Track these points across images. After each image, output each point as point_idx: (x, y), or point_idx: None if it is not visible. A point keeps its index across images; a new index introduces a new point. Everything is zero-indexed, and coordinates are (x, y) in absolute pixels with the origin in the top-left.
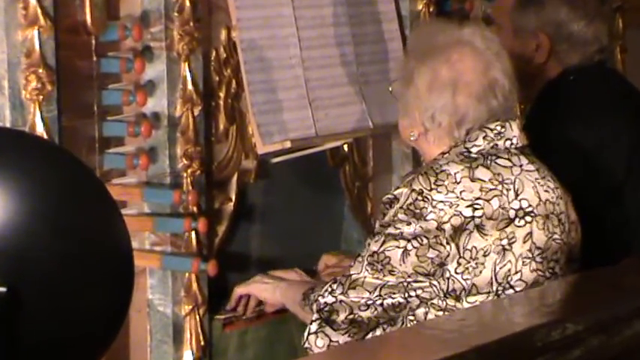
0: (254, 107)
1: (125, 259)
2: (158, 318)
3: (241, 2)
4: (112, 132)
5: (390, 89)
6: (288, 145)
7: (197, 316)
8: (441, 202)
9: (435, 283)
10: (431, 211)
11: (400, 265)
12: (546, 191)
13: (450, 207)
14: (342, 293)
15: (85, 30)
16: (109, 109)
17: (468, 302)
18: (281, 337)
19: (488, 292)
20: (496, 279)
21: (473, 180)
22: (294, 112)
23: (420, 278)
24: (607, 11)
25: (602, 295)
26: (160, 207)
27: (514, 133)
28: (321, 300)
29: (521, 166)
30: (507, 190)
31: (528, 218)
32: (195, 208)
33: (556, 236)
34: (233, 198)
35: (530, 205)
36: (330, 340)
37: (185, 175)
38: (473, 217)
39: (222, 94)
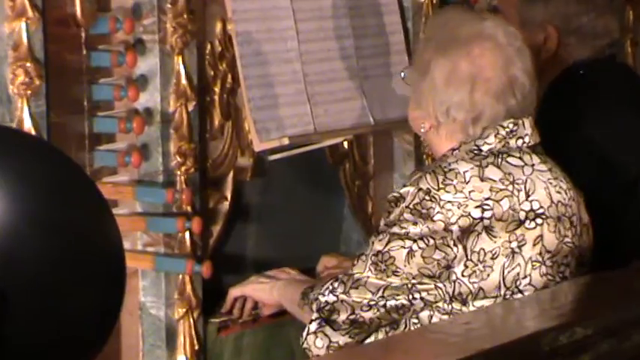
0: (250, 103)
1: (117, 260)
2: (151, 321)
3: None
4: (103, 128)
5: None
6: (285, 142)
7: (191, 320)
8: (449, 202)
9: (440, 285)
10: (438, 212)
11: (405, 265)
12: (558, 192)
13: (459, 207)
14: (343, 292)
15: (74, 22)
16: (99, 105)
17: (475, 306)
18: (278, 341)
19: (496, 297)
20: (504, 283)
21: (483, 180)
22: (292, 107)
23: (425, 280)
24: (617, 4)
25: (612, 298)
26: (153, 206)
27: (527, 131)
28: (322, 299)
29: (533, 165)
30: (518, 190)
31: (539, 220)
32: (189, 208)
33: (567, 239)
34: (228, 197)
35: (541, 207)
36: (330, 341)
37: (179, 173)
38: (482, 219)
39: (217, 89)
